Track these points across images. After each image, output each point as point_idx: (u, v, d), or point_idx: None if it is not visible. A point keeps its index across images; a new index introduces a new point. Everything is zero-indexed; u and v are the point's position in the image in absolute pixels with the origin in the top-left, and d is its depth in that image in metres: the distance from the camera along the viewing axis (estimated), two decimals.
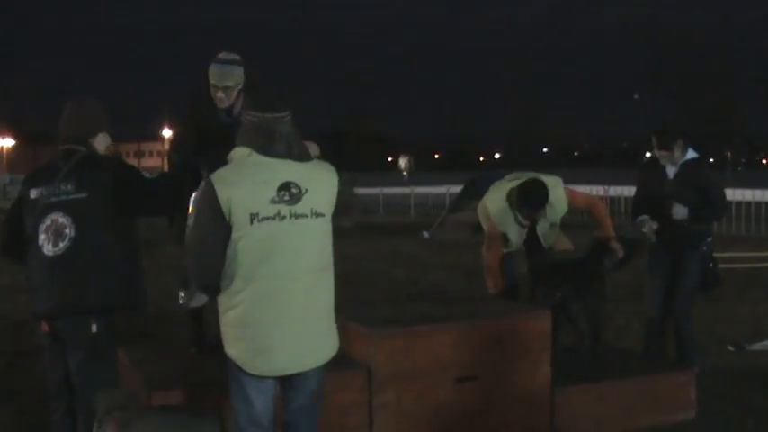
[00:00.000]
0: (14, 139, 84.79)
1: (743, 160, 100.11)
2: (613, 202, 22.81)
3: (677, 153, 6.69)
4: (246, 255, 3.77)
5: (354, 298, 4.51)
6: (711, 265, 6.81)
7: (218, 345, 5.93)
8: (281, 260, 3.81)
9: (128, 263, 4.57)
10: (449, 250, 16.53)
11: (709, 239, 6.86)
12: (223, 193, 3.73)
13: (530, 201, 6.48)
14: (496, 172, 7.10)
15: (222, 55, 5.53)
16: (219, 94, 5.51)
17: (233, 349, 3.88)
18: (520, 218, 6.64)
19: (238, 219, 3.74)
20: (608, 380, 5.98)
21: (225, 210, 3.73)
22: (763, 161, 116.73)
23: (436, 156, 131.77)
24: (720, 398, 6.46)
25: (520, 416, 5.58)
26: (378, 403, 5.23)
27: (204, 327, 5.91)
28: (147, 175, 4.68)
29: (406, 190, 32.25)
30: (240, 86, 5.57)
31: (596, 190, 23.98)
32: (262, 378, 3.89)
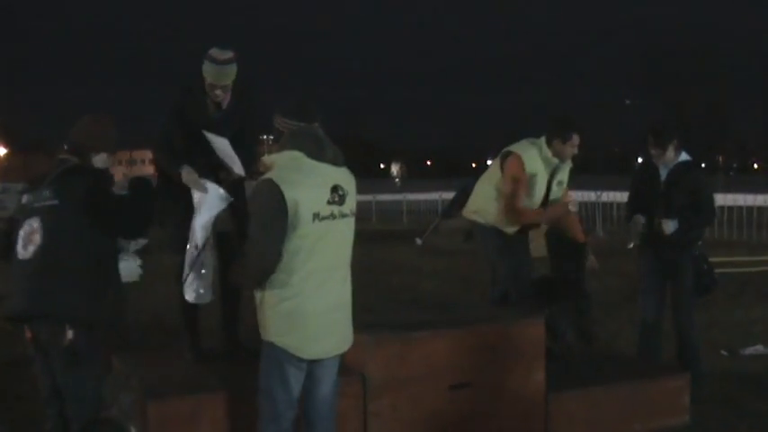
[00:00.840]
0: (6, 147, 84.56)
1: (735, 165, 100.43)
2: (606, 207, 22.82)
3: (670, 153, 6.69)
4: (307, 251, 4.18)
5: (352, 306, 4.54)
6: (706, 267, 6.83)
7: (213, 352, 6.00)
8: (330, 255, 4.29)
9: (94, 275, 4.52)
10: (442, 257, 16.54)
11: (700, 243, 6.88)
12: (290, 194, 4.10)
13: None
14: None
15: (217, 53, 5.52)
16: (218, 92, 5.58)
17: (285, 337, 4.24)
18: (548, 175, 6.60)
19: (303, 218, 4.13)
20: (602, 385, 5.99)
21: (290, 209, 4.10)
22: (755, 166, 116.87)
23: (428, 162, 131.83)
24: (714, 402, 6.48)
25: (514, 422, 5.59)
26: (372, 410, 5.23)
27: (200, 334, 5.93)
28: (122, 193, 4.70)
29: (398, 197, 32.22)
30: (232, 80, 5.64)
31: (588, 195, 23.98)
32: (300, 365, 4.30)
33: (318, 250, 4.22)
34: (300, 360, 4.30)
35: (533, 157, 6.52)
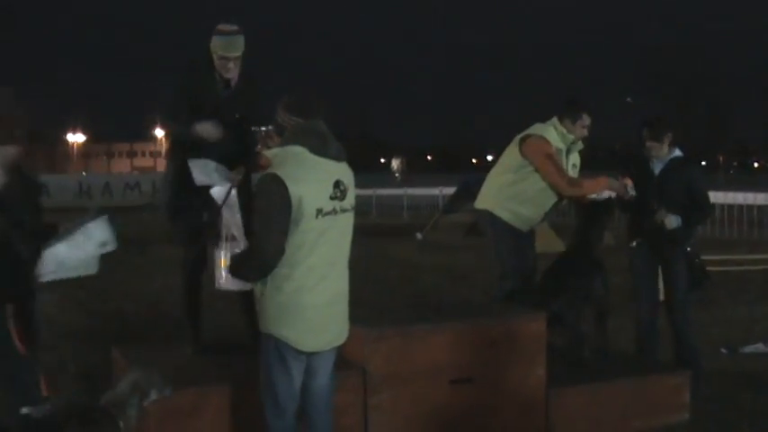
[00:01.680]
0: None
1: (735, 163, 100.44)
2: None
3: (665, 147, 6.68)
4: (309, 245, 4.23)
5: (348, 299, 4.55)
6: (697, 261, 6.80)
7: (213, 345, 6.00)
8: (331, 249, 4.34)
9: None
10: (442, 252, 16.53)
11: (692, 239, 6.87)
12: (294, 190, 4.14)
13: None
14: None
15: (224, 27, 5.57)
16: (230, 65, 5.60)
17: (286, 330, 4.30)
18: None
19: (307, 213, 4.18)
20: (602, 382, 5.99)
21: (295, 204, 4.15)
22: (755, 164, 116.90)
23: (429, 157, 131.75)
24: (714, 400, 6.48)
25: (514, 417, 5.59)
26: (373, 404, 5.24)
27: (201, 327, 5.92)
28: None
29: (398, 191, 32.14)
30: (242, 53, 5.65)
31: None
32: (300, 357, 4.34)
33: (320, 245, 4.27)
34: (300, 352, 4.34)
35: (552, 135, 6.55)
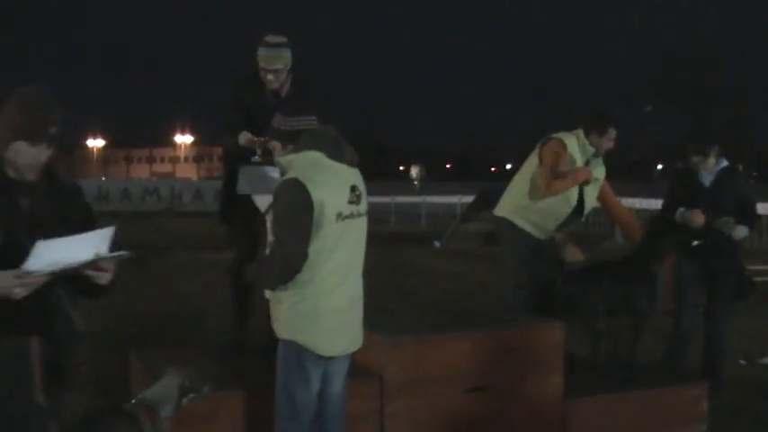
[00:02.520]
0: None
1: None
2: None
3: (712, 159, 6.66)
4: (328, 249, 4.23)
5: (366, 307, 4.54)
6: (746, 272, 6.82)
7: (230, 348, 6.04)
8: (348, 253, 4.35)
9: None
10: (460, 260, 16.52)
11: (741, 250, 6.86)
12: (316, 195, 4.15)
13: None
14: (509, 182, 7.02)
15: (270, 38, 5.68)
16: (270, 77, 5.70)
17: (307, 335, 4.29)
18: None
19: (328, 217, 4.19)
20: (619, 392, 5.97)
21: (317, 209, 4.15)
22: None
23: (448, 165, 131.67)
24: (731, 411, 6.45)
25: (530, 427, 5.58)
26: (389, 412, 5.24)
27: (249, 329, 6.04)
28: None
29: (417, 199, 32.16)
30: (289, 67, 5.77)
31: None
32: (319, 362, 4.34)
33: (339, 249, 4.28)
34: (319, 357, 4.35)
35: (572, 143, 6.59)
